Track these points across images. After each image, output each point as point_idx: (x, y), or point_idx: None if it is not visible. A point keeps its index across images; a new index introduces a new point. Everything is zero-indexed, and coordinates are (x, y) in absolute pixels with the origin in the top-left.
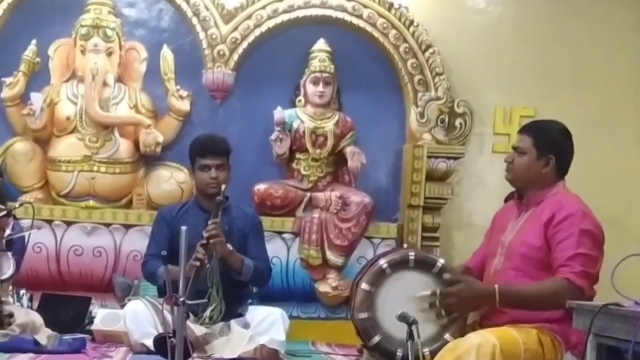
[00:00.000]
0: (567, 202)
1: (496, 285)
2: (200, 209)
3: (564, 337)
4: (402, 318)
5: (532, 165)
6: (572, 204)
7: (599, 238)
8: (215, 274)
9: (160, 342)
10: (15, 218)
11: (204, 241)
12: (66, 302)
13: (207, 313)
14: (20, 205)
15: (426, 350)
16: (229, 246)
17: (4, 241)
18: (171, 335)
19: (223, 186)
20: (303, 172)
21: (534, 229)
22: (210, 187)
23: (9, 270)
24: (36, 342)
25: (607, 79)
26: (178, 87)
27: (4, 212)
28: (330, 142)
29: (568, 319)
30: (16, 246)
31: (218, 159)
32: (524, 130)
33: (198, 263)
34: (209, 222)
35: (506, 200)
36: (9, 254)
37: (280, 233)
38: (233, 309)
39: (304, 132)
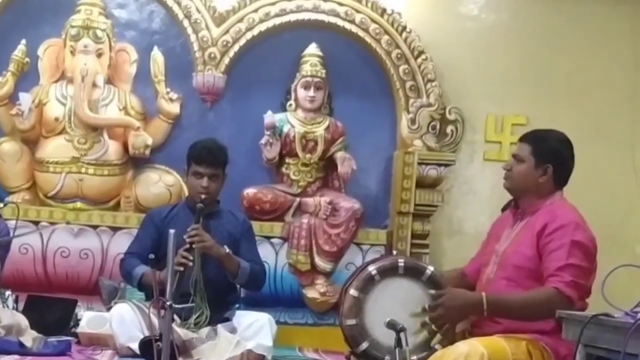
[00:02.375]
0: (561, 213)
1: (483, 294)
2: (191, 210)
3: (554, 349)
4: (391, 325)
5: (529, 173)
6: (566, 214)
7: (591, 251)
8: (199, 281)
9: (146, 345)
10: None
11: (187, 246)
12: (52, 304)
13: (192, 320)
14: (5, 205)
15: (414, 358)
16: (226, 248)
17: None
18: (157, 338)
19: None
20: (293, 177)
21: (527, 239)
22: (199, 195)
23: None
24: (21, 344)
25: (601, 88)
26: (168, 89)
27: None
28: (320, 147)
29: (559, 330)
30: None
31: (212, 169)
32: (523, 138)
33: (182, 268)
34: (188, 229)
35: (503, 210)
36: None
37: (268, 238)
38: (220, 314)
39: (294, 136)
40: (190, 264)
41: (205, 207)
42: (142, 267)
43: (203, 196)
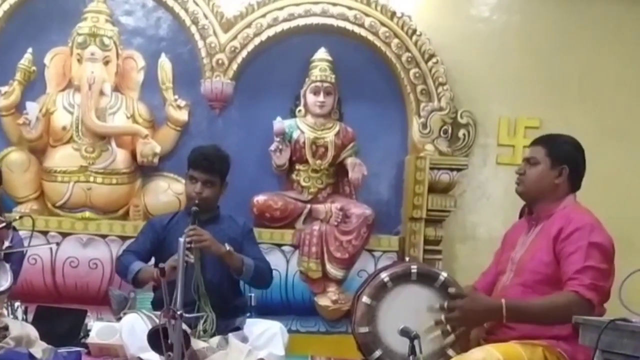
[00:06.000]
0: (575, 216)
1: (503, 300)
2: (189, 217)
3: (571, 355)
4: (404, 332)
5: (546, 175)
6: (581, 217)
7: (609, 251)
8: (200, 284)
9: (154, 337)
10: (14, 229)
11: (187, 246)
12: (61, 314)
13: (200, 327)
14: (21, 217)
15: None
16: (227, 246)
17: (2, 253)
18: (165, 327)
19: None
20: (303, 184)
21: (543, 244)
22: (193, 200)
23: (6, 282)
24: (31, 356)
25: (614, 89)
26: (176, 96)
27: (4, 224)
28: (330, 153)
29: (576, 336)
30: (14, 256)
31: (207, 175)
32: (536, 142)
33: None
34: (186, 230)
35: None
36: (7, 265)
37: (279, 245)
38: (229, 321)
39: (304, 142)
40: (192, 261)
41: (200, 211)
42: (139, 263)
43: (196, 201)
